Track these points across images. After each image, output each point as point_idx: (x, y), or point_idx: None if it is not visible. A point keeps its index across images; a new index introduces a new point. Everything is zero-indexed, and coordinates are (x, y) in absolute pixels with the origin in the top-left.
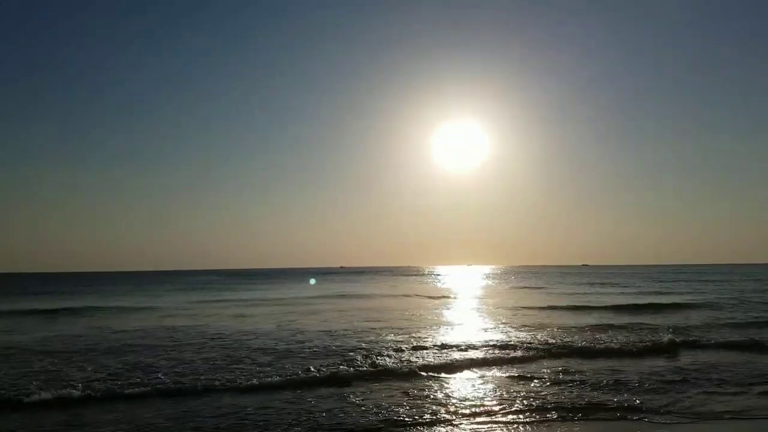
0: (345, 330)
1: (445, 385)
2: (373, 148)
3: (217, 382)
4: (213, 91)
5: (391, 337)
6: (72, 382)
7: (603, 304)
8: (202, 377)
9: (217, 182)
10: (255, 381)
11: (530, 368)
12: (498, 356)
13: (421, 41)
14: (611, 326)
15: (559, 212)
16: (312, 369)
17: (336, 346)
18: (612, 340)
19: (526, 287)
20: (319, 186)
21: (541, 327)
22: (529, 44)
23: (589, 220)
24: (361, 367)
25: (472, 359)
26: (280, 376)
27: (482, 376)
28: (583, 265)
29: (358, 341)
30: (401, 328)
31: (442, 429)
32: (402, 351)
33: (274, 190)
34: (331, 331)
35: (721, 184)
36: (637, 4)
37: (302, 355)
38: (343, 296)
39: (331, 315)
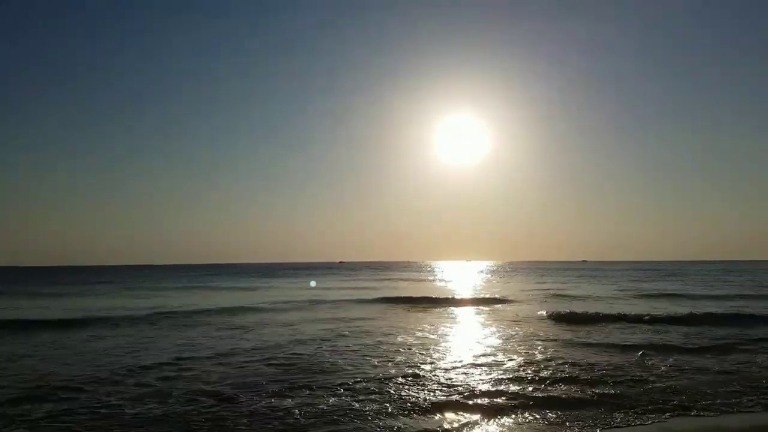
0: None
1: None
2: (374, 144)
3: None
4: (213, 91)
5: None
6: None
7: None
8: None
9: (218, 180)
10: None
11: None
12: None
13: (421, 38)
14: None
15: (559, 208)
16: None
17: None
18: None
19: (553, 292)
20: (319, 182)
21: None
22: (529, 41)
23: (589, 215)
24: None
25: None
26: None
27: None
28: (582, 261)
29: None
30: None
31: None
32: None
33: (274, 189)
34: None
35: (721, 182)
36: (638, 2)
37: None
38: (314, 302)
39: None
